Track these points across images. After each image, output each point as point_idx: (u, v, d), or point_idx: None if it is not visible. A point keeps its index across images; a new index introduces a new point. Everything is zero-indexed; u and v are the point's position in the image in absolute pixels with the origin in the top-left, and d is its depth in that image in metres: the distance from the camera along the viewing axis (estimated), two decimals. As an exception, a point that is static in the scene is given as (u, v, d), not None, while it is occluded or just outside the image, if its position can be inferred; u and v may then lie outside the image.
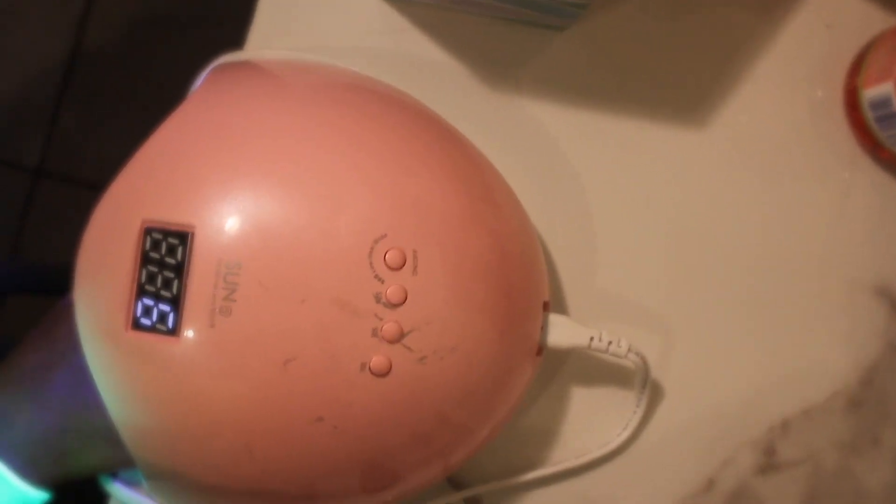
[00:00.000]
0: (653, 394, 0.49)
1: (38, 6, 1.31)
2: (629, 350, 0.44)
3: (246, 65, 0.44)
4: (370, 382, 0.37)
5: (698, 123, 0.50)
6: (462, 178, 0.42)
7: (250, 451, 0.37)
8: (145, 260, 0.37)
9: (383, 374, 0.37)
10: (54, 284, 0.87)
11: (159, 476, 0.40)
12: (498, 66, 0.50)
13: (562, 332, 0.44)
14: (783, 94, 0.51)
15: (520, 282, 0.42)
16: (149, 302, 0.36)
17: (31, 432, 0.41)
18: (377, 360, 0.36)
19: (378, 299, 0.37)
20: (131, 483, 0.45)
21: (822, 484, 0.51)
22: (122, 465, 0.43)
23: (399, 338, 0.37)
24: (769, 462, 0.50)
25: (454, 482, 0.48)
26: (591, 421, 0.49)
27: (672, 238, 0.50)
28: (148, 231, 0.37)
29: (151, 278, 0.36)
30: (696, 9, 0.51)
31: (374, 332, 0.37)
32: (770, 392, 0.50)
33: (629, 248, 0.50)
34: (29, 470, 0.40)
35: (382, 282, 0.37)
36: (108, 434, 0.40)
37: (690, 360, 0.50)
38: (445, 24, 0.50)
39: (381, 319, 0.37)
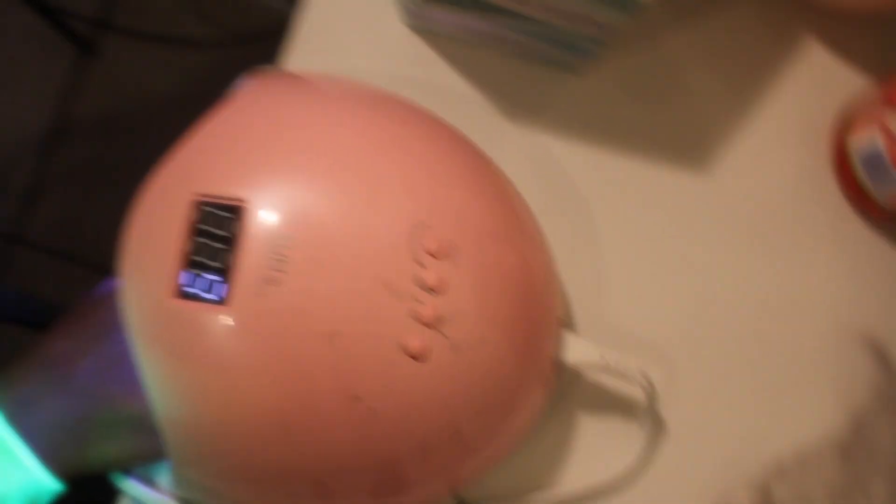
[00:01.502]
0: (655, 428, 0.50)
1: (24, 76, 1.34)
2: (637, 372, 0.46)
3: (287, 73, 0.46)
4: (407, 365, 0.38)
5: (699, 171, 0.54)
6: (495, 193, 0.44)
7: (287, 429, 0.37)
8: (195, 231, 0.38)
9: (420, 357, 0.38)
10: (33, 317, 0.86)
11: (189, 460, 0.40)
12: (517, 102, 0.53)
13: (575, 348, 0.45)
14: (775, 154, 0.55)
15: (540, 294, 0.44)
16: (196, 271, 0.37)
17: (55, 418, 0.40)
18: (415, 343, 0.37)
19: (418, 283, 0.38)
20: (145, 480, 0.45)
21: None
22: (139, 458, 0.43)
23: (436, 323, 0.38)
24: (765, 498, 0.51)
25: (463, 502, 0.48)
26: (596, 448, 0.50)
27: (677, 277, 0.52)
28: (199, 204, 0.38)
29: (200, 249, 0.37)
30: (696, 69, 0.55)
31: (414, 315, 0.38)
32: (766, 432, 0.52)
33: (637, 282, 0.52)
34: (48, 457, 0.40)
35: (423, 267, 0.38)
36: (131, 423, 0.40)
37: (692, 395, 0.51)
38: (470, 58, 0.53)
39: (420, 303, 0.38)
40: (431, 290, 0.38)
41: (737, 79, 0.55)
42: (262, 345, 0.37)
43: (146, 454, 0.42)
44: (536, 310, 0.44)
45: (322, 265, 0.37)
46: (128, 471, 0.45)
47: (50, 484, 0.40)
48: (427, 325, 0.38)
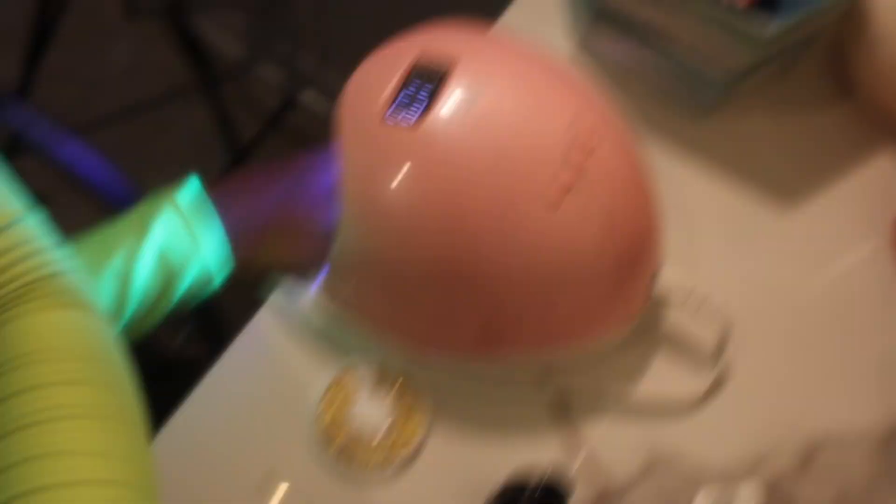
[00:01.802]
0: (720, 374, 0.58)
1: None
2: (719, 313, 0.55)
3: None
4: (543, 207, 0.48)
5: (782, 211, 0.67)
6: (628, 132, 0.55)
7: (443, 228, 0.48)
8: (409, 78, 0.50)
9: (554, 205, 0.48)
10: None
11: (353, 257, 0.51)
12: (649, 124, 0.66)
13: (675, 272, 0.55)
14: (844, 225, 0.67)
15: (652, 216, 0.55)
16: (401, 107, 0.49)
17: (243, 216, 0.51)
18: (552, 192, 0.48)
19: (566, 156, 0.49)
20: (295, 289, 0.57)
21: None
22: (298, 268, 0.54)
23: (569, 188, 0.49)
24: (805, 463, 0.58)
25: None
26: (665, 381, 0.59)
27: (756, 275, 0.64)
28: (417, 62, 0.51)
29: (410, 93, 0.50)
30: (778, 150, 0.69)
31: (556, 175, 0.48)
32: (813, 409, 0.59)
33: (722, 271, 0.63)
34: (234, 244, 0.50)
35: (571, 149, 0.49)
36: (304, 234, 0.52)
37: (756, 360, 0.60)
38: (621, 83, 0.69)
39: (568, 161, 0.49)
40: (572, 165, 0.49)
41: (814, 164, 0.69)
42: (435, 159, 0.49)
43: (309, 261, 0.53)
44: (649, 223, 0.54)
45: (496, 117, 0.49)
46: (286, 273, 0.56)
47: (225, 267, 0.50)
48: (562, 187, 0.48)
